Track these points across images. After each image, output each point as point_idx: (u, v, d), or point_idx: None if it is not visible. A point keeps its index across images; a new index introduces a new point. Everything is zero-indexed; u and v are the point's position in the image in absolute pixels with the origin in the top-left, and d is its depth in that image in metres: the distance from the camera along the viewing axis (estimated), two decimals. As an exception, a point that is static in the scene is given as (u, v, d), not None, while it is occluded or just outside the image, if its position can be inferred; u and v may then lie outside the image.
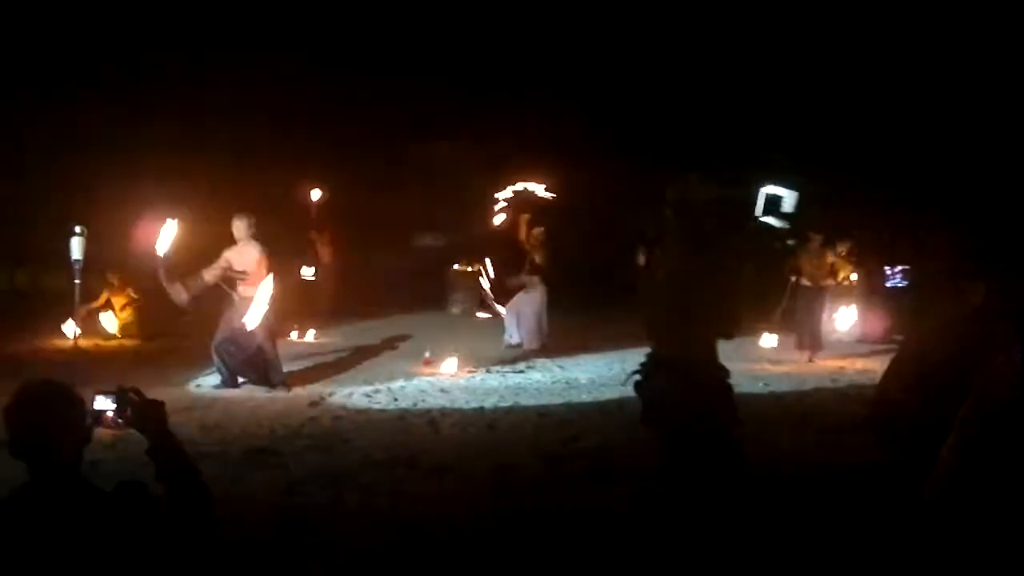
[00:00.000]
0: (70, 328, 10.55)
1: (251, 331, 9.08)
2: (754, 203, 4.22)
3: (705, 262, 4.21)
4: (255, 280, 9.14)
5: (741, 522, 4.26)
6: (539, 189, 12.58)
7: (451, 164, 19.56)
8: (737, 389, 9.85)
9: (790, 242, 10.77)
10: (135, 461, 5.65)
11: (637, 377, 4.45)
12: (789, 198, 4.14)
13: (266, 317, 9.18)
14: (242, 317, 9.02)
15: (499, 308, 12.88)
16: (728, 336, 4.41)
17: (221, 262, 9.26)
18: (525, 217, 12.47)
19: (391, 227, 19.76)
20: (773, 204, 4.16)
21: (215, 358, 9.31)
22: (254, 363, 9.38)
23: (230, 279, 9.25)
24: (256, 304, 8.95)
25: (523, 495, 5.83)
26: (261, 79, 18.30)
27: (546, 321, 12.40)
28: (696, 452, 4.24)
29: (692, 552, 4.27)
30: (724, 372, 4.35)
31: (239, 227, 9.29)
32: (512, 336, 12.49)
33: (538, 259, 12.38)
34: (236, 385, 9.33)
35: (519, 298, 12.41)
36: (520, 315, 12.37)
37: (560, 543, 4.98)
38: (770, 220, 4.19)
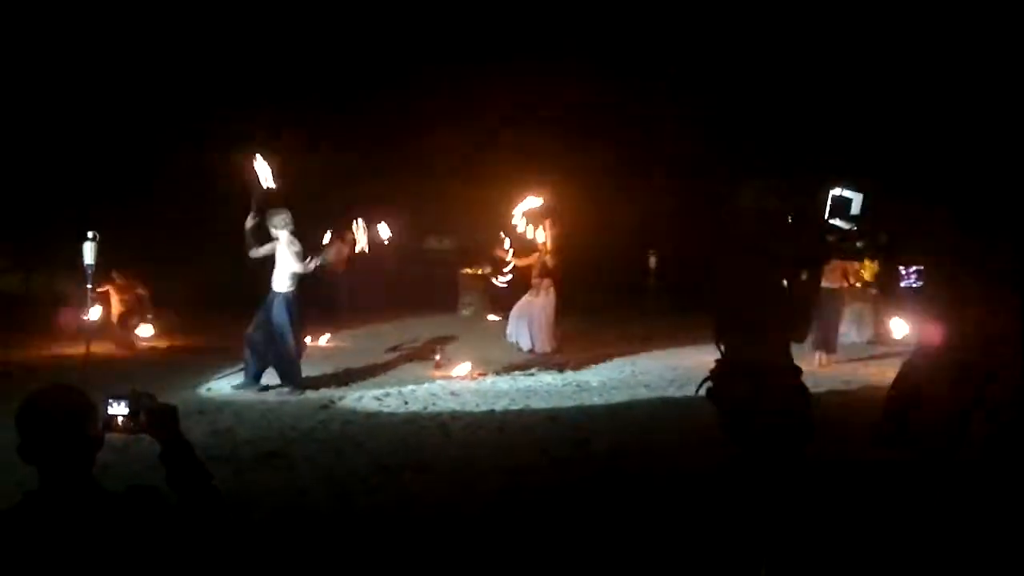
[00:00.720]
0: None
1: (278, 326, 9.22)
2: (822, 207, 4.23)
3: (770, 266, 4.23)
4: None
5: (797, 527, 4.28)
6: (543, 201, 12.66)
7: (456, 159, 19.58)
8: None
9: (859, 244, 10.73)
10: (146, 465, 5.69)
11: (709, 384, 4.46)
12: (856, 200, 4.14)
13: (295, 318, 9.31)
14: (273, 308, 9.25)
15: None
16: (800, 339, 4.42)
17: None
18: (547, 222, 12.48)
19: (401, 230, 19.80)
20: (841, 207, 4.16)
21: (245, 350, 9.42)
22: (274, 360, 9.43)
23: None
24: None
25: (534, 498, 5.82)
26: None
27: (555, 324, 12.39)
28: (773, 458, 4.26)
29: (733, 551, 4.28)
30: (799, 372, 4.36)
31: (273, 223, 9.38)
32: (519, 341, 12.47)
33: (550, 263, 12.36)
34: (258, 381, 9.37)
35: (529, 302, 12.39)
36: (531, 319, 12.35)
37: (570, 546, 4.98)
38: (837, 223, 4.19)
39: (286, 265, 9.31)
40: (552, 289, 12.29)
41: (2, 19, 16.01)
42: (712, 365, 4.47)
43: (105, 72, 17.62)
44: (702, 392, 4.50)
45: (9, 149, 16.77)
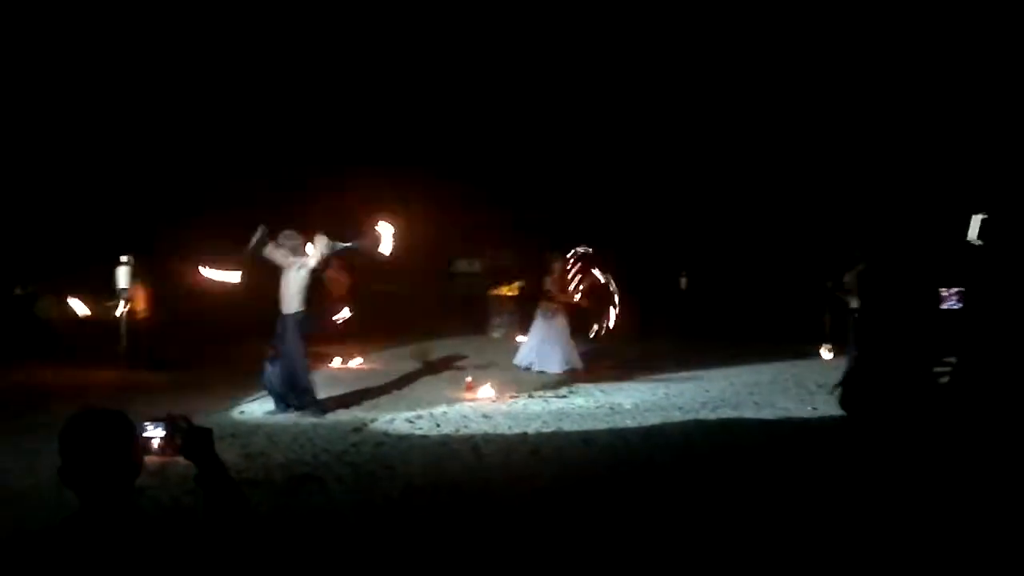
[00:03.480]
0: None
1: (286, 352, 9.24)
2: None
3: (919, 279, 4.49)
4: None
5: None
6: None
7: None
8: (785, 413, 9.73)
9: None
10: (183, 488, 5.70)
11: (840, 390, 4.60)
12: (975, 222, 4.50)
13: (299, 340, 9.30)
14: (286, 331, 9.26)
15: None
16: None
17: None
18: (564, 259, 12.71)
19: (432, 254, 19.87)
20: (982, 229, 4.53)
21: (267, 379, 9.47)
22: (289, 386, 9.43)
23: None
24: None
25: (568, 522, 5.76)
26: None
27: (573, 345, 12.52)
28: (907, 463, 4.32)
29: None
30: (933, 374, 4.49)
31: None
32: (527, 361, 12.56)
33: (556, 288, 12.58)
34: (287, 406, 9.38)
35: (546, 325, 12.51)
36: (548, 343, 12.44)
37: (606, 569, 4.91)
38: (976, 241, 4.54)
39: (296, 286, 9.32)
40: (560, 312, 12.48)
41: (41, 44, 16.34)
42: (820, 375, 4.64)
43: (138, 98, 17.89)
44: (835, 396, 4.64)
45: (40, 174, 17.05)
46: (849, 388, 4.48)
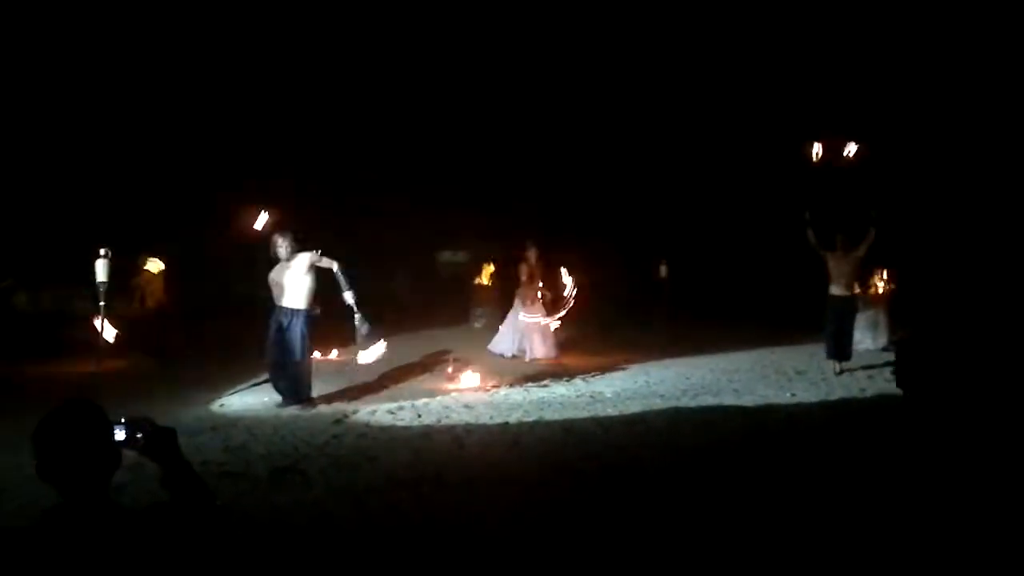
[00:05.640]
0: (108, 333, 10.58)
1: (292, 343, 9.21)
2: None
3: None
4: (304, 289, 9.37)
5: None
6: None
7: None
8: (764, 400, 9.81)
9: None
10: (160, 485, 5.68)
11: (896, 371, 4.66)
12: None
13: (308, 330, 9.31)
14: (289, 329, 9.23)
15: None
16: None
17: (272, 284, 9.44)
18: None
19: (413, 244, 19.91)
20: None
21: (271, 374, 9.49)
22: (286, 375, 9.40)
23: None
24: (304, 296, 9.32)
25: (549, 511, 5.78)
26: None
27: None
28: (964, 429, 4.38)
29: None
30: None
31: (282, 246, 9.38)
32: (508, 351, 12.73)
33: (526, 276, 12.86)
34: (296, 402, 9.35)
35: (517, 315, 12.69)
36: (531, 330, 12.59)
37: (587, 558, 4.94)
38: None
39: (305, 282, 9.31)
40: (539, 299, 12.62)
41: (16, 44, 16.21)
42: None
43: (115, 89, 17.76)
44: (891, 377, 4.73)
45: (17, 166, 16.90)
46: (906, 367, 4.53)
